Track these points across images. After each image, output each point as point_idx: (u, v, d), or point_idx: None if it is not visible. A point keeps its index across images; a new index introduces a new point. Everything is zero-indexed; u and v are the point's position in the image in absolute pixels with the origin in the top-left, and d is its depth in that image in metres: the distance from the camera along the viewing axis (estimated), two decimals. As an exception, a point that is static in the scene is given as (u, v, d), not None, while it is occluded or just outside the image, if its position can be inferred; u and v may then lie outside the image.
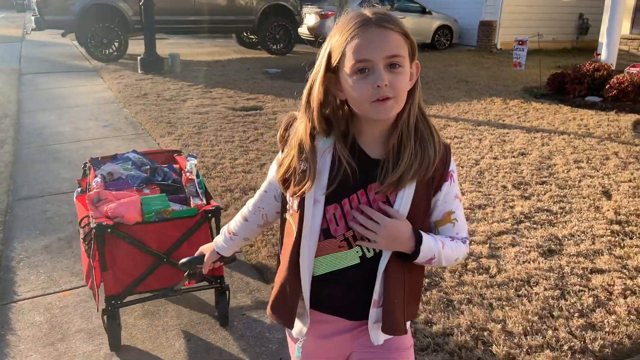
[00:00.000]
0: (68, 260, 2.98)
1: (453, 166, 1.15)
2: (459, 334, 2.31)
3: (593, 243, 3.17)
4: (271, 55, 11.67)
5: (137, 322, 2.45)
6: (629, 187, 4.09)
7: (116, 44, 10.13)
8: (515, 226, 3.38)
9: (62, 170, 4.43)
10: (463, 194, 3.96)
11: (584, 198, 3.87)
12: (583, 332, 2.34)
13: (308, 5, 13.38)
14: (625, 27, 10.95)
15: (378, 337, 1.19)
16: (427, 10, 13.67)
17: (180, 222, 2.21)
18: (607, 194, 3.96)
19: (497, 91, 7.91)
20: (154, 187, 2.48)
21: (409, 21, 13.42)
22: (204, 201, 2.39)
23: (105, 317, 2.20)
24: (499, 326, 2.36)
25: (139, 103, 6.67)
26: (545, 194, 3.93)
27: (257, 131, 5.50)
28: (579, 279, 2.77)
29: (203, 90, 7.56)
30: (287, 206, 1.19)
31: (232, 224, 1.38)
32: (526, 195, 3.92)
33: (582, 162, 4.68)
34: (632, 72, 7.07)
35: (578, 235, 3.27)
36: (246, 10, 11.48)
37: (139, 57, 9.08)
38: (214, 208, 2.28)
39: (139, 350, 2.28)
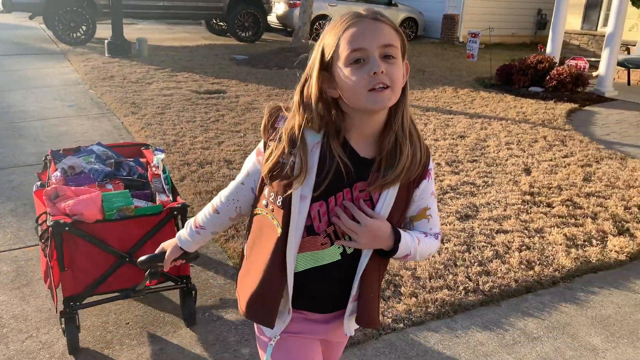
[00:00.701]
0: (32, 222, 3.27)
1: (432, 165, 1.19)
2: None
3: (505, 210, 3.63)
4: (240, 43, 11.90)
5: (97, 323, 2.35)
6: (548, 165, 4.59)
7: (84, 28, 10.20)
8: (440, 196, 3.82)
9: (28, 145, 4.66)
10: None
11: (507, 174, 4.34)
12: (478, 277, 2.78)
13: (277, -7, 13.62)
14: (576, 23, 11.61)
15: (350, 328, 1.24)
16: (393, 2, 14.08)
17: (143, 219, 2.12)
18: (528, 171, 4.45)
19: (451, 81, 8.38)
20: (118, 182, 2.37)
21: (375, 12, 13.81)
22: (170, 198, 2.29)
23: (63, 319, 2.10)
24: (409, 272, 2.79)
25: (104, 85, 6.88)
26: (473, 170, 4.39)
27: (218, 112, 5.81)
28: (484, 237, 3.22)
29: (169, 74, 7.80)
30: (265, 201, 1.16)
31: (200, 217, 1.32)
32: (456, 171, 4.37)
33: (513, 144, 5.17)
34: (571, 65, 7.63)
35: (493, 204, 3.73)
36: (215, -3, 11.66)
37: (106, 41, 9.21)
38: (180, 205, 2.18)
39: (98, 353, 2.18)
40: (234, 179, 4.16)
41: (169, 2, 11.22)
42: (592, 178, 4.32)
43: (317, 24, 13.05)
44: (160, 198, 2.28)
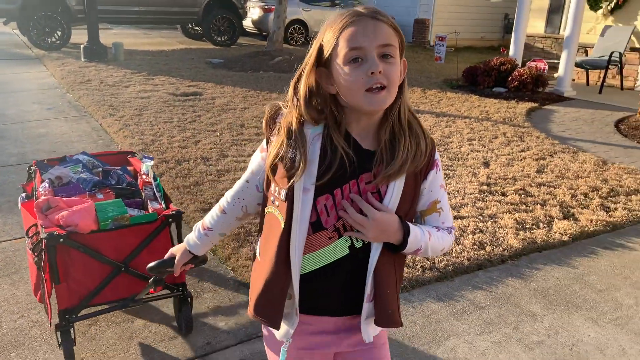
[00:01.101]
0: (17, 217, 3.43)
1: (437, 156, 1.17)
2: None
3: (463, 199, 3.93)
4: (216, 47, 12.09)
5: (91, 334, 2.30)
6: (506, 158, 4.93)
7: (59, 33, 10.26)
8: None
9: (9, 146, 4.79)
10: None
11: (467, 167, 4.66)
12: (434, 257, 3.06)
13: (252, -1, 13.85)
14: (540, 27, 12.13)
15: (369, 333, 1.18)
16: (366, 7, 14.44)
17: (138, 228, 2.10)
18: (487, 164, 4.77)
19: (420, 82, 8.74)
20: (108, 191, 2.35)
21: (349, 17, 14.16)
22: (163, 205, 2.27)
23: (58, 332, 2.06)
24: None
25: (82, 88, 7.00)
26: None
27: (195, 114, 6.01)
28: (443, 223, 3.51)
29: (146, 77, 7.95)
30: (272, 198, 1.15)
31: (207, 219, 1.33)
32: (421, 165, 4.67)
33: (474, 140, 5.51)
34: (531, 66, 8.05)
35: (452, 194, 4.03)
36: (190, 2, 11.83)
37: (82, 46, 9.31)
38: (174, 212, 2.17)
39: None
40: (210, 174, 4.39)
41: (144, 7, 11.35)
42: (545, 170, 4.66)
43: (292, 27, 13.34)
44: (153, 206, 2.25)
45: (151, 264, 1.40)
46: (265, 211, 1.18)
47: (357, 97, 1.04)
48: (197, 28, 13.09)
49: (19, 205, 2.43)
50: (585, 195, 4.10)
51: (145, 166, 2.50)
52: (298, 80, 1.11)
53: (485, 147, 5.29)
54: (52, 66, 8.57)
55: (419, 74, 9.55)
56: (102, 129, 5.40)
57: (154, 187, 2.38)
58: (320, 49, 1.07)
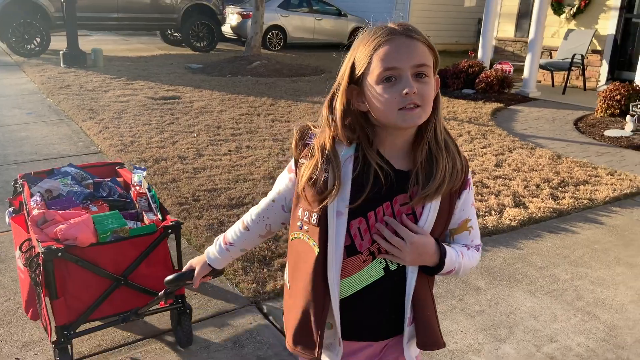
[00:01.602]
0: (1, 213, 3.61)
1: (470, 175, 1.15)
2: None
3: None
4: (195, 52, 12.29)
5: (85, 349, 2.25)
6: (468, 154, 5.24)
7: (38, 40, 10.36)
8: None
9: (-10, 148, 4.95)
10: None
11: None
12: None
13: (231, 5, 14.09)
14: (510, 31, 12.58)
15: (411, 355, 1.16)
16: (342, 12, 14.79)
17: (137, 240, 2.07)
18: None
19: (393, 85, 9.05)
20: (101, 203, 2.32)
21: (327, 23, 14.50)
22: (159, 216, 2.24)
23: (57, 350, 2.02)
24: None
25: (61, 93, 7.16)
26: (401, 160, 4.98)
27: (173, 116, 6.22)
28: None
29: (125, 82, 8.12)
30: (299, 223, 1.12)
31: (229, 234, 1.31)
32: (387, 161, 4.95)
33: (440, 138, 5.82)
34: (497, 68, 8.43)
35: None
36: (169, 9, 12.02)
37: (61, 52, 9.43)
38: (173, 223, 2.15)
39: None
40: (187, 172, 4.67)
41: (123, 14, 11.51)
42: (503, 164, 4.98)
43: (270, 33, 13.60)
44: (149, 217, 2.22)
45: (169, 277, 1.39)
46: (291, 237, 1.15)
47: (390, 116, 1.02)
48: (176, 34, 13.27)
49: (7, 220, 2.41)
50: (537, 186, 4.42)
51: (137, 177, 2.45)
52: (332, 99, 1.09)
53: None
54: (32, 72, 8.68)
55: (392, 77, 9.88)
56: (82, 132, 5.58)
57: (149, 197, 2.33)
58: (353, 67, 1.05)
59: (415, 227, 1.07)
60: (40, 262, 1.92)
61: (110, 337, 2.36)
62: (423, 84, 1.02)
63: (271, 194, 1.25)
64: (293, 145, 1.16)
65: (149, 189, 2.38)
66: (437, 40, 12.80)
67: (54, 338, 2.03)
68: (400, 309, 1.12)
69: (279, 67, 10.04)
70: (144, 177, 2.45)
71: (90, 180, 2.53)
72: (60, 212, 2.11)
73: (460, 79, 8.35)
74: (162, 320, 2.48)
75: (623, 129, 6.28)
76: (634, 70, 7.59)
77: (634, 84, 6.77)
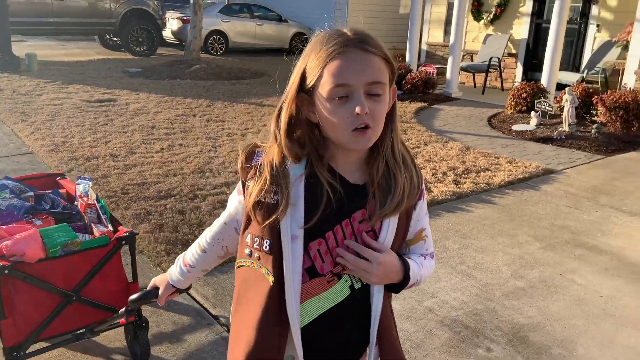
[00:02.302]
0: None
1: (423, 184, 1.12)
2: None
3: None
4: (134, 57, 12.29)
5: None
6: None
7: (-33, 44, 10.10)
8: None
9: None
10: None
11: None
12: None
13: (171, 10, 14.18)
14: (440, 37, 13.35)
15: None
16: (283, 18, 15.17)
17: (90, 253, 2.00)
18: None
19: (328, 87, 9.49)
20: (45, 216, 2.22)
21: (268, 28, 14.84)
22: (110, 227, 2.16)
23: None
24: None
25: (-7, 97, 7.11)
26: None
27: (107, 117, 6.36)
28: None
29: (60, 86, 8.13)
30: (248, 249, 1.05)
31: (188, 256, 1.27)
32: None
33: (364, 134, 6.28)
34: (422, 70, 9.05)
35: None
36: (107, 14, 11.99)
37: (-8, 56, 9.27)
38: (127, 234, 2.08)
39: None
40: (118, 168, 4.94)
41: (59, 18, 11.39)
42: (417, 156, 5.48)
43: (211, 38, 13.78)
44: (99, 229, 2.15)
45: (134, 297, 1.38)
46: (237, 265, 1.08)
47: (341, 136, 0.97)
48: (115, 39, 13.22)
49: None
50: (444, 173, 4.93)
51: (83, 187, 2.37)
52: (279, 112, 1.02)
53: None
54: (-39, 77, 8.51)
55: (328, 80, 10.34)
56: (13, 134, 5.63)
57: (98, 209, 2.24)
58: (304, 76, 0.99)
59: (379, 245, 1.02)
60: None
61: (62, 356, 2.22)
62: (375, 103, 0.96)
63: (223, 216, 1.20)
64: (239, 165, 1.08)
65: (98, 200, 2.28)
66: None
67: None
68: (365, 331, 1.07)
69: (219, 70, 10.28)
70: (91, 187, 2.37)
71: (31, 193, 2.42)
72: (3, 227, 2.02)
73: (389, 81, 8.89)
74: (110, 335, 2.35)
75: (528, 123, 6.96)
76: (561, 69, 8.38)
77: (539, 83, 7.50)
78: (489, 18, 10.25)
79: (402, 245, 1.11)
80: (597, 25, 8.79)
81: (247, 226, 1.05)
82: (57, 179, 2.67)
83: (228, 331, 2.29)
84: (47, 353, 2.15)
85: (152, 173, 4.51)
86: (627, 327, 2.70)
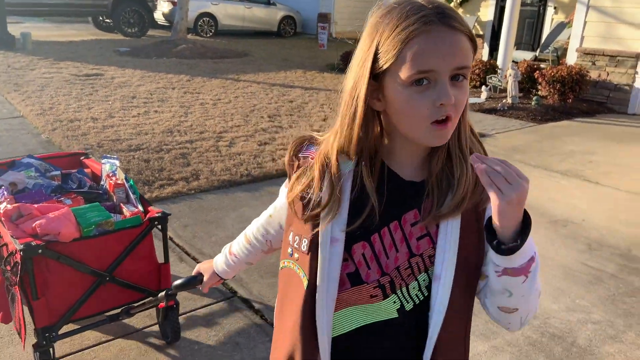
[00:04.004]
0: None
1: None
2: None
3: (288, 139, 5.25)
4: (126, 38, 12.88)
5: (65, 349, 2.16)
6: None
7: (-34, 24, 10.71)
8: (254, 133, 5.38)
9: None
10: (232, 119, 5.95)
11: (309, 121, 6.01)
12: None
13: (162, -7, 14.70)
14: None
15: None
16: (271, 2, 15.68)
17: (122, 233, 1.98)
18: (325, 120, 6.16)
19: (306, 66, 10.09)
20: (75, 196, 2.18)
21: (257, 11, 15.36)
22: (140, 208, 2.13)
23: (37, 353, 1.92)
24: (208, 168, 4.28)
25: (-11, 71, 7.75)
26: (284, 120, 6.02)
27: (93, 88, 6.99)
28: (265, 153, 4.81)
29: (52, 62, 8.75)
30: (290, 250, 0.94)
31: (235, 246, 1.24)
32: (273, 121, 5.97)
33: (325, 105, 6.90)
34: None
35: (285, 138, 5.35)
36: (99, -4, 12.57)
37: (-10, 35, 9.89)
38: (160, 214, 2.06)
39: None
40: (96, 128, 5.77)
41: (55, 0, 11.96)
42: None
43: (201, 20, 14.33)
44: (129, 209, 2.12)
45: (177, 282, 1.38)
46: (281, 265, 0.98)
47: (417, 130, 0.84)
48: (108, 20, 13.78)
49: None
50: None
51: (110, 166, 2.33)
52: (355, 98, 0.86)
53: (332, 110, 6.68)
54: (-40, 54, 9.13)
55: (308, 60, 10.93)
56: (7, 102, 6.27)
57: (127, 188, 2.21)
58: (376, 57, 0.83)
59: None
60: (19, 260, 1.78)
61: (89, 333, 2.26)
62: (459, 90, 0.82)
63: (269, 209, 1.14)
64: (286, 159, 0.97)
65: (127, 179, 2.25)
66: (361, 28, 13.85)
67: (34, 341, 1.93)
68: (417, 351, 0.91)
69: (204, 50, 10.86)
70: (118, 167, 2.33)
71: (57, 172, 2.40)
72: (36, 205, 1.98)
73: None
74: (141, 316, 2.37)
75: (479, 97, 7.57)
76: (520, 49, 8.95)
77: (491, 60, 8.09)
78: (458, 1, 10.77)
79: (482, 262, 0.89)
80: (555, 8, 9.33)
81: (291, 223, 0.96)
82: (81, 158, 2.64)
83: (262, 318, 2.45)
84: (80, 335, 2.16)
85: (126, 132, 5.16)
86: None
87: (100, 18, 13.90)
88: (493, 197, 0.78)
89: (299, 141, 0.97)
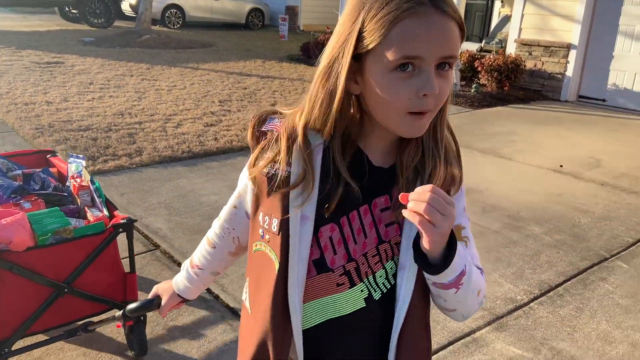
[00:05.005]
0: None
1: (463, 184, 0.91)
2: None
3: (237, 124, 5.59)
4: (92, 28, 13.00)
5: None
6: (292, 99, 6.69)
7: None
8: (202, 116, 5.70)
9: None
10: (183, 103, 6.25)
11: (260, 104, 6.37)
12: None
13: (130, -16, 14.80)
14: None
15: None
16: (239, -6, 15.92)
17: (84, 241, 1.84)
18: (274, 105, 6.51)
19: (266, 56, 10.41)
20: (35, 198, 2.03)
21: (226, 3, 15.57)
22: (106, 212, 2.02)
23: None
24: (152, 146, 4.60)
25: (-51, 58, 7.89)
26: (234, 105, 6.35)
27: (51, 75, 7.21)
28: (216, 130, 5.15)
29: (14, 51, 8.90)
30: (261, 231, 0.89)
31: (196, 256, 1.12)
32: (223, 105, 6.29)
33: (277, 92, 7.25)
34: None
35: (233, 120, 5.68)
36: (64, -14, 12.65)
37: (-49, 24, 9.95)
38: (125, 221, 1.92)
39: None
40: (49, 111, 6.15)
41: (19, -10, 12.03)
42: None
43: (169, 12, 14.50)
44: (94, 214, 1.99)
45: (131, 306, 1.27)
46: (253, 249, 0.93)
47: (393, 118, 0.79)
48: (74, 11, 13.86)
49: None
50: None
51: (76, 166, 2.21)
52: (328, 75, 0.81)
53: (282, 95, 7.04)
54: None
55: (270, 51, 11.24)
56: (-36, 87, 6.48)
57: (93, 191, 2.08)
58: (360, 36, 0.76)
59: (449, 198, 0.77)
60: None
61: (55, 348, 2.09)
62: (443, 81, 0.77)
63: (232, 199, 1.03)
64: (249, 133, 0.91)
65: (92, 181, 2.12)
66: (330, 22, 14.23)
67: None
68: (384, 340, 0.89)
69: (167, 40, 11.09)
70: (84, 167, 2.20)
71: (19, 171, 2.24)
72: None
73: (320, 51, 9.81)
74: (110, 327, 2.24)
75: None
76: (469, 40, 9.41)
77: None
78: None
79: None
80: (502, 1, 9.84)
81: (258, 205, 0.90)
82: (47, 156, 2.49)
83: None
84: (39, 349, 2.01)
85: (78, 114, 5.44)
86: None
87: (67, 9, 13.97)
88: (427, 232, 0.75)
89: (263, 113, 0.91)
